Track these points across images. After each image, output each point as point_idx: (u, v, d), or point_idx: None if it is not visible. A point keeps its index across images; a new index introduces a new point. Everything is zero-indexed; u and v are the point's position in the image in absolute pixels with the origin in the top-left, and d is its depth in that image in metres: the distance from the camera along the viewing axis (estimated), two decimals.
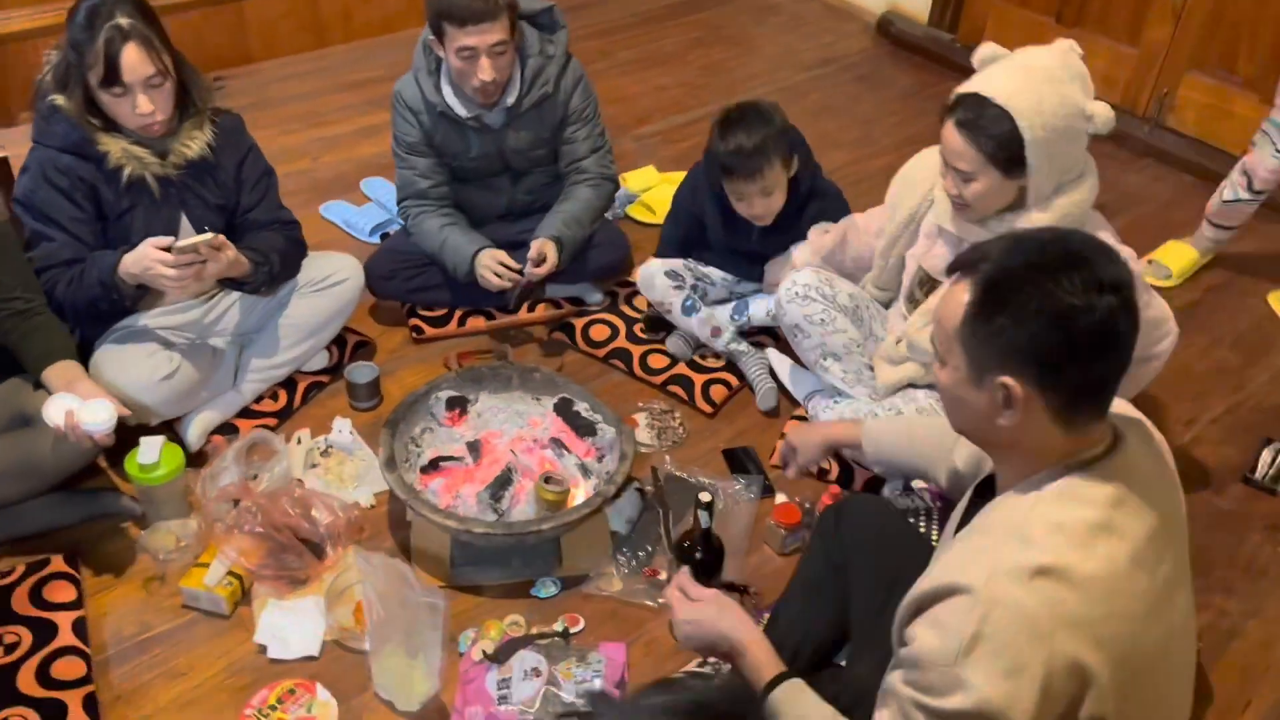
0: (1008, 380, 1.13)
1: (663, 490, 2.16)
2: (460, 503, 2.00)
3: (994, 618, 1.07)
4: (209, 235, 1.99)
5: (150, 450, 1.99)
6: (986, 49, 1.90)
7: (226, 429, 2.25)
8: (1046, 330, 1.10)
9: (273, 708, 1.66)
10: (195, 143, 2.10)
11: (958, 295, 1.17)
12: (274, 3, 3.67)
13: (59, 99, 2.00)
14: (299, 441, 2.25)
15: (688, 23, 4.42)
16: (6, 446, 1.88)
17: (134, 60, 1.93)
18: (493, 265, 2.40)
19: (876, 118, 3.77)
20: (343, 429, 2.27)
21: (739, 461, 2.28)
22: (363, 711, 1.76)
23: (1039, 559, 1.08)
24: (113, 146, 2.02)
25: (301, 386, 2.38)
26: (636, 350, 2.52)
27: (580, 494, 2.03)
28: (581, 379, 2.42)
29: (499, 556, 2.00)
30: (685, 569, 1.60)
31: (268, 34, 3.73)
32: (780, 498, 2.16)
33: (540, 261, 2.40)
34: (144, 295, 2.06)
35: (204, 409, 2.22)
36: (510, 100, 2.42)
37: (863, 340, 2.24)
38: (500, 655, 1.79)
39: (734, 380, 2.46)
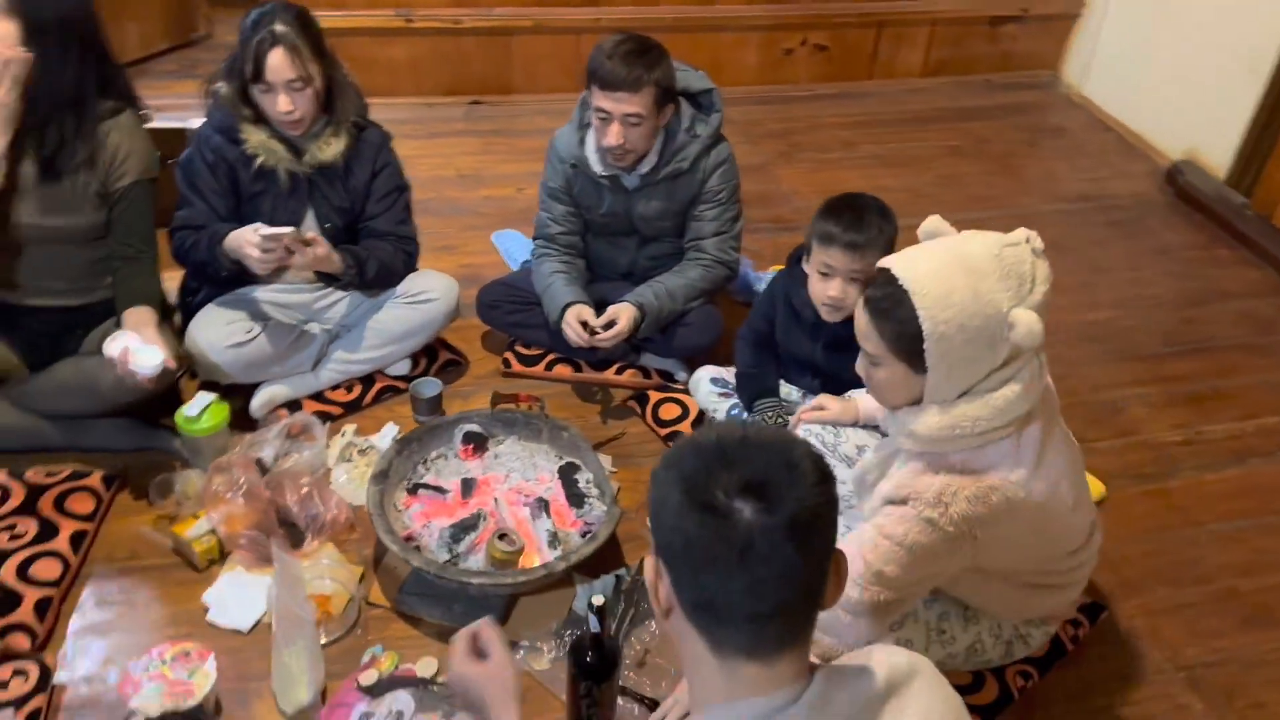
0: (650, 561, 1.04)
1: (636, 586, 2.06)
2: (427, 533, 2.04)
3: None
4: (292, 230, 2.17)
5: (197, 404, 2.21)
6: (931, 223, 1.63)
7: (294, 406, 2.44)
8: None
9: (164, 662, 1.77)
10: (330, 148, 2.31)
11: None
12: (541, 43, 3.94)
13: (222, 86, 2.28)
14: (343, 435, 2.38)
15: (953, 130, 4.19)
16: (76, 367, 2.17)
17: (279, 63, 2.16)
18: (573, 322, 2.42)
19: (1113, 269, 3.37)
20: (388, 435, 2.38)
21: None
22: (253, 697, 1.84)
23: None
24: (253, 136, 2.27)
25: (377, 387, 2.53)
26: (689, 432, 2.42)
27: (536, 561, 1.99)
28: (631, 452, 2.38)
29: (445, 596, 2.00)
30: (487, 620, 1.47)
31: (530, 70, 4.01)
32: None
33: (609, 325, 2.38)
34: (239, 270, 2.28)
35: (276, 383, 2.42)
36: (645, 169, 2.44)
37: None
38: (375, 689, 1.80)
39: None
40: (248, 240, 2.17)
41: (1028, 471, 1.59)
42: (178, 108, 3.01)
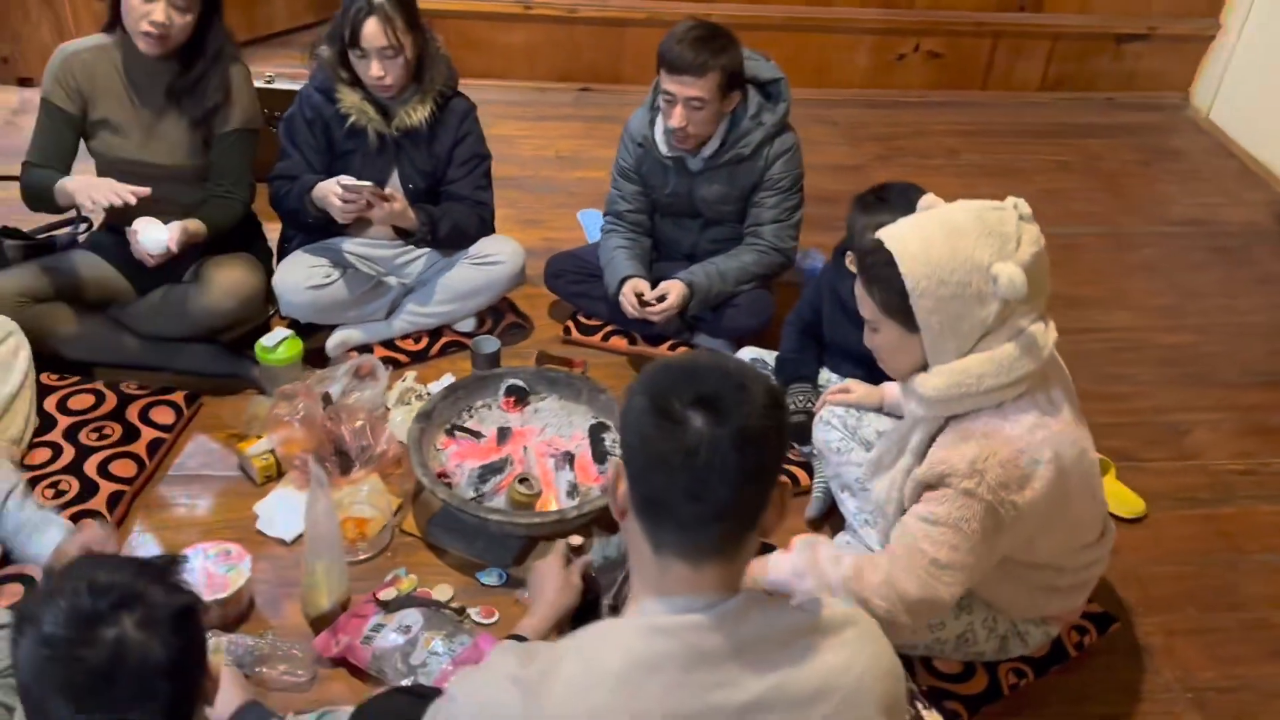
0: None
1: None
2: (459, 472, 2.18)
3: None
4: (370, 184, 2.35)
5: (275, 337, 2.43)
6: (926, 199, 1.72)
7: (366, 351, 2.63)
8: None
9: (207, 556, 1.97)
10: (416, 114, 2.49)
11: None
12: (653, 35, 4.03)
13: (324, 49, 2.48)
14: (404, 380, 2.56)
15: (1065, 145, 4.11)
16: (171, 293, 2.44)
17: (372, 31, 2.34)
18: (628, 293, 2.53)
19: (1205, 295, 3.26)
20: (444, 384, 2.54)
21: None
22: (284, 600, 2.02)
23: None
24: (348, 97, 2.47)
25: (443, 340, 2.70)
26: None
27: (553, 507, 2.10)
28: None
29: (468, 532, 2.14)
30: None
31: (640, 61, 4.10)
32: None
33: (661, 299, 2.48)
34: (325, 219, 2.47)
35: (350, 327, 2.62)
36: (708, 152, 2.53)
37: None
38: (391, 605, 1.95)
39: (805, 480, 2.35)
40: (332, 190, 2.36)
41: (1051, 434, 1.62)
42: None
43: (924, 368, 1.66)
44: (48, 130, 2.42)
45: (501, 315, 2.79)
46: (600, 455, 2.22)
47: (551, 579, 1.71)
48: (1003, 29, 4.24)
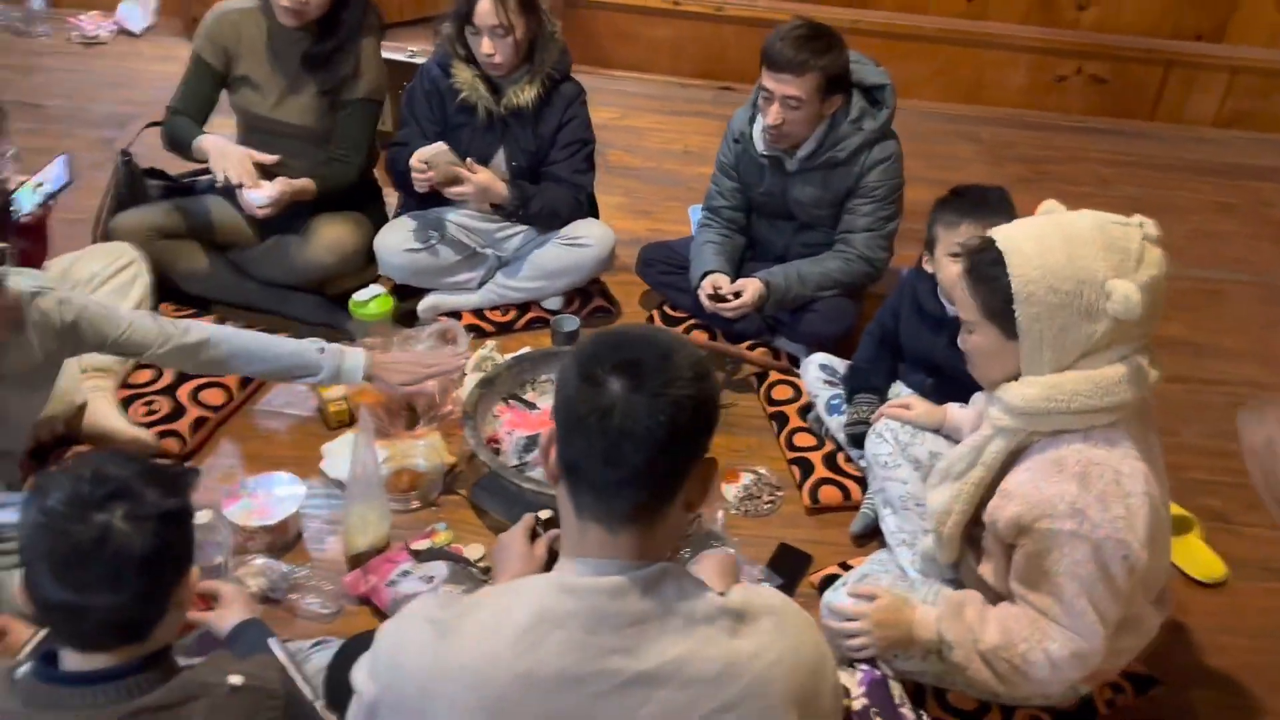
0: None
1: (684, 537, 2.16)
2: (509, 440, 2.25)
3: None
4: (441, 147, 2.47)
5: (368, 293, 2.57)
6: (1047, 204, 1.65)
7: (456, 317, 2.74)
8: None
9: (266, 485, 2.11)
10: (524, 94, 2.58)
11: None
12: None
13: (446, 25, 2.60)
14: (484, 348, 2.65)
15: (1233, 186, 3.83)
16: (283, 242, 2.63)
17: (486, 10, 2.44)
18: (706, 286, 2.54)
19: None
20: None
21: (783, 561, 2.17)
22: (329, 536, 2.15)
23: None
24: (462, 73, 2.58)
25: (529, 316, 2.78)
26: (794, 423, 2.47)
27: None
28: (734, 423, 2.50)
29: (508, 498, 2.20)
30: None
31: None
32: None
33: (737, 295, 2.48)
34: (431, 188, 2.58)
35: (443, 293, 2.74)
36: (804, 153, 2.51)
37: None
38: (422, 556, 2.04)
39: (856, 494, 2.30)
40: (420, 157, 2.48)
41: (1143, 468, 1.55)
42: None
43: (1015, 378, 1.61)
44: (192, 82, 2.64)
45: (590, 297, 2.85)
46: None
47: (514, 550, 1.68)
48: (1176, 58, 3.99)
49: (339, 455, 2.30)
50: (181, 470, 1.34)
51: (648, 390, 1.08)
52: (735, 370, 2.69)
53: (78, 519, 1.16)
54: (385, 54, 2.77)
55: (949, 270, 2.12)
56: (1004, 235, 1.56)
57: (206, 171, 2.79)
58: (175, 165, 2.82)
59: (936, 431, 2.11)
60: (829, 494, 2.31)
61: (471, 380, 2.53)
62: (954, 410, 2.11)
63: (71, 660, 1.20)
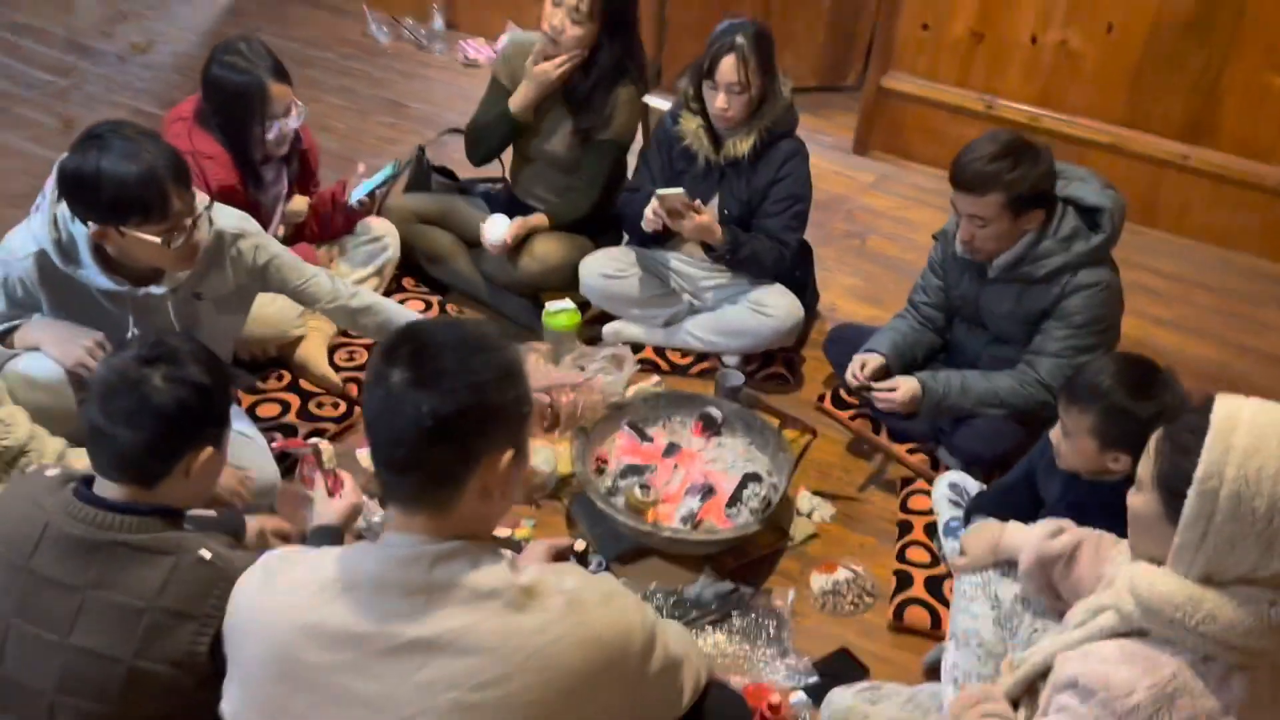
0: None
1: (737, 600, 2.13)
2: (614, 463, 2.35)
3: None
4: (680, 191, 2.59)
5: (558, 305, 2.79)
6: None
7: (638, 349, 2.88)
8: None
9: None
10: (741, 145, 2.68)
11: None
12: (1116, 165, 3.73)
13: (684, 80, 2.77)
14: (651, 382, 2.76)
15: None
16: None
17: (726, 68, 2.58)
18: (854, 365, 2.49)
19: None
20: None
21: (835, 665, 2.07)
22: None
23: None
24: (689, 123, 2.74)
25: (705, 365, 2.86)
26: (917, 535, 2.34)
27: (656, 521, 2.19)
28: (857, 516, 2.45)
29: (596, 517, 2.27)
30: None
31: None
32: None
33: (890, 390, 2.39)
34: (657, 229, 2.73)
35: (630, 323, 2.90)
36: (1002, 261, 2.39)
37: (995, 650, 1.80)
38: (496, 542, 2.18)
39: (947, 626, 2.13)
40: (652, 204, 2.65)
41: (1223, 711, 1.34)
42: None
43: (1163, 561, 1.40)
44: (489, 100, 3.01)
45: (771, 362, 2.87)
46: (734, 501, 2.24)
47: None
48: None
49: None
50: (235, 372, 1.59)
51: (421, 383, 1.15)
52: (883, 467, 2.58)
53: (131, 366, 1.45)
54: (654, 102, 2.99)
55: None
56: (1225, 413, 1.32)
57: (488, 180, 3.19)
58: (465, 170, 3.22)
59: (991, 566, 1.92)
60: (916, 615, 2.17)
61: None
62: (1013, 530, 1.91)
63: (99, 485, 1.47)
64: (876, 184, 4.00)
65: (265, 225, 2.52)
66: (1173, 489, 1.34)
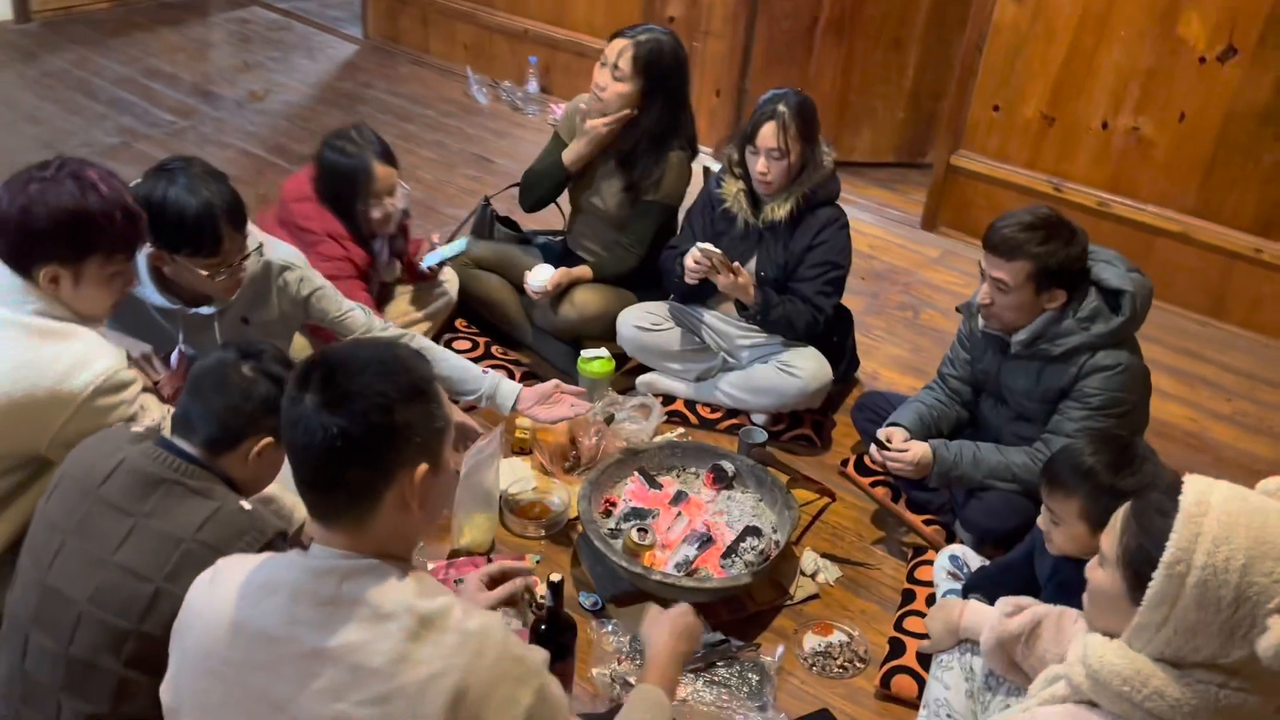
0: None
1: (723, 654, 2.16)
2: (621, 504, 2.42)
3: None
4: (720, 253, 2.68)
5: (592, 353, 2.90)
6: (1273, 481, 1.36)
7: (669, 400, 2.96)
8: None
9: None
10: (779, 210, 2.75)
11: None
12: (1185, 254, 3.67)
13: (730, 146, 2.87)
14: (675, 433, 2.83)
15: None
16: (548, 298, 3.03)
17: (767, 134, 2.67)
18: (880, 436, 2.50)
19: None
20: None
21: None
22: (442, 531, 2.45)
23: None
24: (730, 186, 2.83)
25: (733, 421, 2.91)
26: (918, 605, 2.32)
27: (650, 565, 2.24)
28: (864, 582, 2.47)
29: (597, 556, 2.32)
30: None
31: (1165, 276, 3.73)
32: None
33: (901, 451, 2.41)
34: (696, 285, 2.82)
35: (664, 375, 2.97)
36: (1020, 337, 2.39)
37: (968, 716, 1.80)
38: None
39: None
40: (691, 253, 2.74)
41: None
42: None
43: (1116, 635, 1.39)
44: (546, 150, 3.17)
45: (799, 424, 2.90)
46: (730, 553, 2.28)
47: (663, 629, 1.75)
48: None
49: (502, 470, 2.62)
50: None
51: (331, 405, 1.20)
52: (897, 533, 2.58)
53: (226, 355, 1.65)
54: (706, 163, 3.11)
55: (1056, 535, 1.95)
56: (1196, 496, 1.29)
57: (549, 232, 3.34)
58: (527, 220, 3.39)
59: (955, 646, 1.97)
60: (903, 684, 2.15)
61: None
62: (973, 610, 1.92)
63: (178, 440, 1.64)
64: (940, 259, 4.01)
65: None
66: (1138, 570, 1.32)
